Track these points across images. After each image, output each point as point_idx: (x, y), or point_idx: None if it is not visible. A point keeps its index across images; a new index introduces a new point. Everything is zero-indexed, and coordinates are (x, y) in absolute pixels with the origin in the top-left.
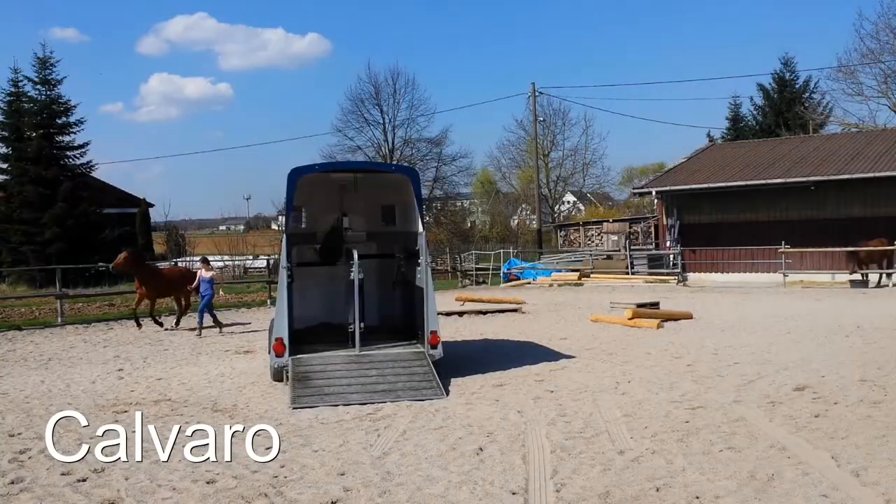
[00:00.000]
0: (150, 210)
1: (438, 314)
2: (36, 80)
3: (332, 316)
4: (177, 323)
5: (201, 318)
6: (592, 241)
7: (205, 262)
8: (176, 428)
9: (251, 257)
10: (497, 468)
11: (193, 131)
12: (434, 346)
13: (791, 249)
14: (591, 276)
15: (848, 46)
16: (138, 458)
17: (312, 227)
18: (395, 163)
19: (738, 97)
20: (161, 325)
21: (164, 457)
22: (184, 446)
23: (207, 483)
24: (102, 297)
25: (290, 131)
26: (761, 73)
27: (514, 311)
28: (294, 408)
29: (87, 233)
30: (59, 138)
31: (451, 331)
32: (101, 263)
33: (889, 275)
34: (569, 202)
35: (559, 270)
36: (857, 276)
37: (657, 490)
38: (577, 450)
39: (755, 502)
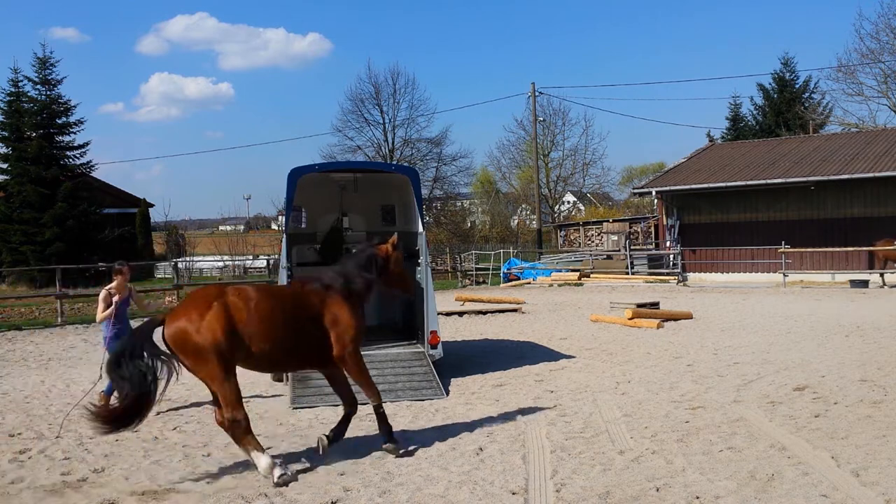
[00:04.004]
0: (150, 210)
1: (438, 314)
2: (36, 80)
3: None
4: None
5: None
6: (592, 241)
7: (120, 272)
8: (176, 428)
9: (251, 257)
10: (497, 468)
11: (193, 131)
12: (434, 346)
13: (791, 249)
14: (591, 276)
15: (848, 46)
16: (138, 457)
17: (312, 227)
18: (395, 163)
19: (738, 97)
20: None
21: (164, 456)
22: (184, 446)
23: (207, 483)
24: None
25: (290, 131)
26: (761, 73)
27: (514, 311)
28: (294, 408)
29: (87, 233)
30: (59, 138)
31: (451, 331)
32: (101, 264)
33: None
34: (569, 202)
35: (559, 270)
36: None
37: (657, 490)
38: (577, 450)
39: (755, 502)
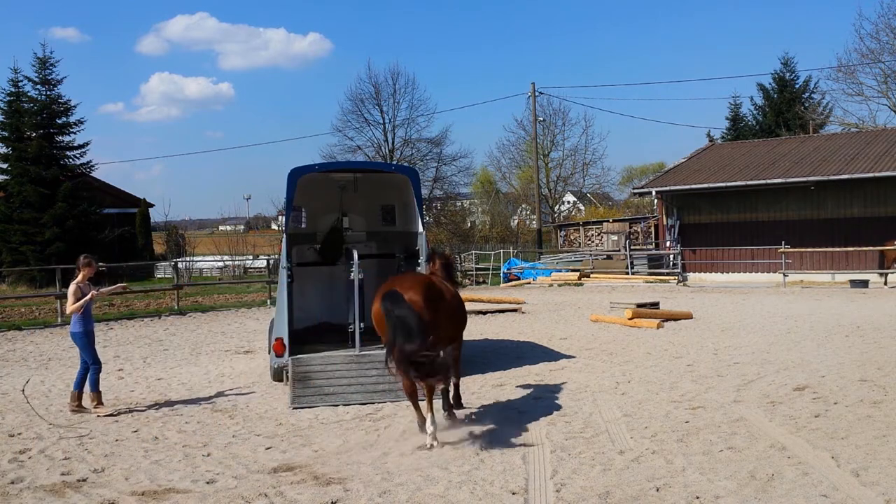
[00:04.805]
0: (150, 210)
1: None
2: (36, 80)
3: (332, 316)
4: None
5: (94, 383)
6: (592, 241)
7: (88, 265)
8: (176, 428)
9: (251, 257)
10: (497, 468)
11: (193, 131)
12: None
13: (791, 249)
14: (591, 276)
15: (848, 46)
16: (138, 457)
17: (312, 227)
18: (394, 163)
19: (738, 97)
20: None
21: (164, 456)
22: (184, 446)
23: (207, 483)
24: (101, 297)
25: (290, 131)
26: (761, 73)
27: (515, 311)
28: (294, 408)
29: (87, 233)
30: (59, 138)
31: None
32: (101, 264)
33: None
34: (569, 202)
35: (559, 270)
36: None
37: (657, 490)
38: (577, 450)
39: (755, 502)
